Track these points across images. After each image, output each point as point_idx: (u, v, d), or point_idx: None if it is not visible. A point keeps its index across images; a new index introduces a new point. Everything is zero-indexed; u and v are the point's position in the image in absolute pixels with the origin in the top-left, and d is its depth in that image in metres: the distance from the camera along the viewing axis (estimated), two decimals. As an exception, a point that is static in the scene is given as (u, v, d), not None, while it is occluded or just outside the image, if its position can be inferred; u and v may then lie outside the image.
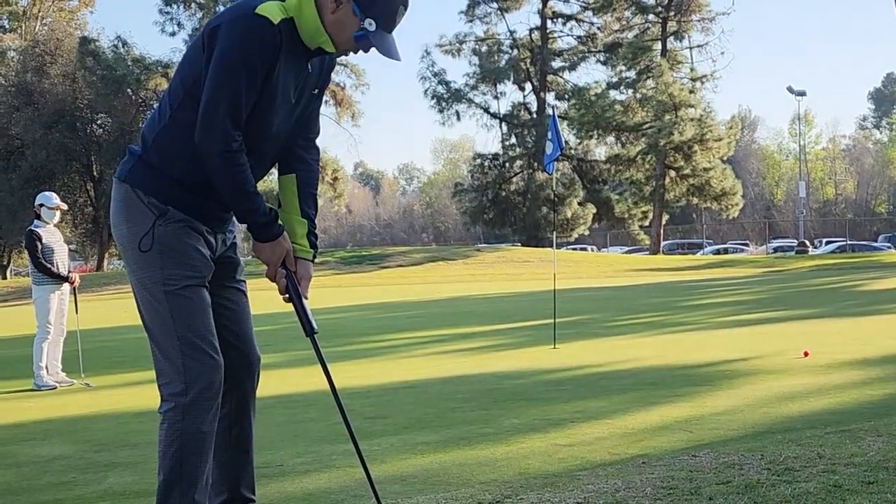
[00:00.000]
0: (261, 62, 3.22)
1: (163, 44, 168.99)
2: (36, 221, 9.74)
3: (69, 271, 9.79)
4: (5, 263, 56.13)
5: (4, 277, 53.70)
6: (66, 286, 9.77)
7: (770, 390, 7.04)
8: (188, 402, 3.33)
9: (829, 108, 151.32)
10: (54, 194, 10.00)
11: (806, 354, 9.03)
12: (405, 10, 3.34)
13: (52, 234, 9.74)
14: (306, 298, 3.54)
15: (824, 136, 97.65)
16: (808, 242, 54.99)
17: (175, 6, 53.60)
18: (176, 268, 3.36)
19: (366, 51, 3.36)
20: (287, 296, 3.53)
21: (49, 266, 9.52)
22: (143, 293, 3.42)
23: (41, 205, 9.74)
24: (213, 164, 3.26)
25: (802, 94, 57.40)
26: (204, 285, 3.45)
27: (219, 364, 3.40)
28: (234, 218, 3.60)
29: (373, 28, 3.27)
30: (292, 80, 3.38)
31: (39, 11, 63.36)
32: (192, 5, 53.64)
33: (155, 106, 3.38)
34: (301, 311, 3.51)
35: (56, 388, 9.49)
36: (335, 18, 3.30)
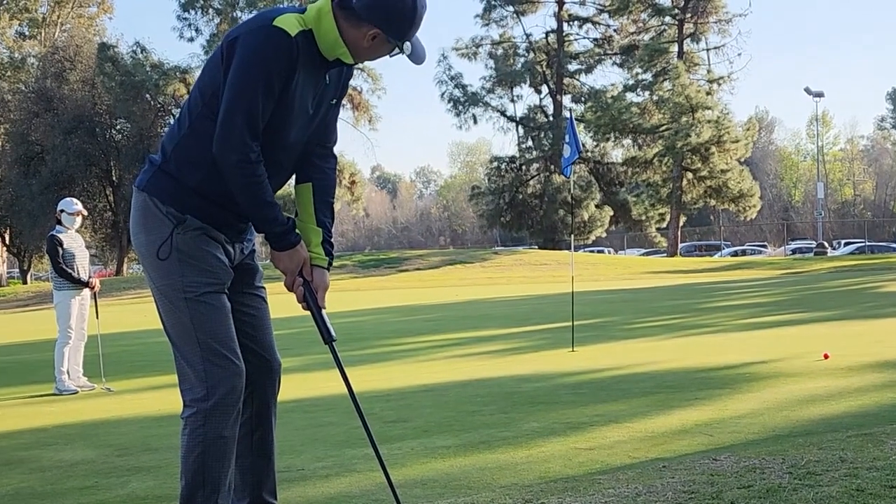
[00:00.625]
0: (278, 73, 3.24)
1: (181, 49, 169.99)
2: (57, 227, 9.81)
3: (90, 276, 9.86)
4: (26, 268, 56.49)
5: (25, 282, 54.05)
6: (87, 291, 9.83)
7: (790, 393, 7.01)
8: (210, 408, 3.35)
9: (847, 108, 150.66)
10: (75, 200, 10.08)
11: (826, 357, 8.98)
12: (426, 11, 3.39)
13: (73, 240, 9.80)
14: (323, 307, 3.57)
15: (842, 136, 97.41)
16: (826, 244, 54.73)
17: (193, 12, 53.94)
18: (195, 275, 3.39)
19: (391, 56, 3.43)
20: (305, 304, 3.56)
21: (70, 271, 9.59)
22: (163, 301, 3.46)
23: (62, 210, 9.81)
24: (230, 174, 3.29)
25: (820, 95, 57.24)
26: (223, 292, 3.48)
27: (240, 369, 3.43)
28: (251, 227, 3.63)
29: (409, 51, 3.34)
30: (310, 91, 3.40)
31: (59, 18, 63.82)
32: (210, 11, 53.99)
33: (175, 115, 3.42)
34: (319, 319, 3.55)
35: (77, 392, 9.55)
36: (370, 49, 3.35)
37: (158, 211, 3.41)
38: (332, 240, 3.70)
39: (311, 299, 3.54)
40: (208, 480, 3.36)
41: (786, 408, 6.38)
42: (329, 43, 3.35)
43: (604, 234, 62.78)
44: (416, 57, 3.38)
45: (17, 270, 60.01)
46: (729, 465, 4.54)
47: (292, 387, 8.66)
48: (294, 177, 3.69)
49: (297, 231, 3.50)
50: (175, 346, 3.45)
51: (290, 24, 3.26)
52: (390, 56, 3.42)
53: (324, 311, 3.56)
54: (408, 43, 3.32)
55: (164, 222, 3.40)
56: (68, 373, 9.65)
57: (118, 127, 53.42)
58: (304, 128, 3.47)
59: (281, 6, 3.43)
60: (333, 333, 3.57)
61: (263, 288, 3.76)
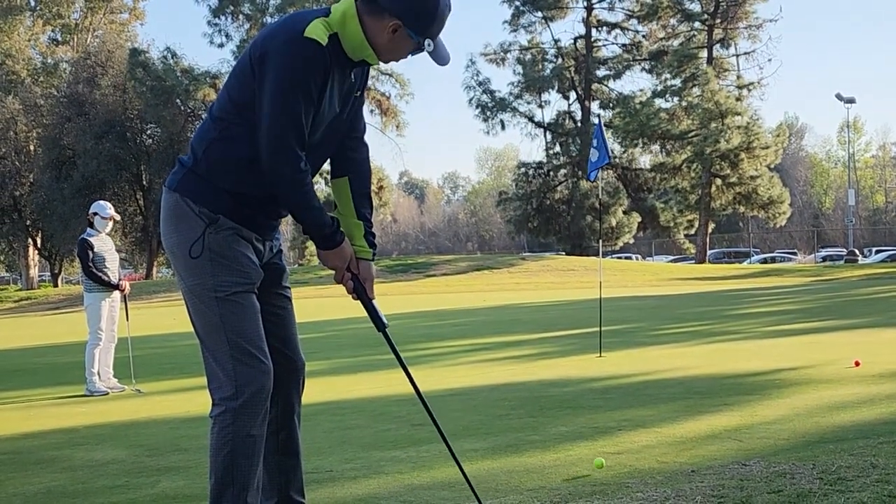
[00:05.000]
0: (315, 85, 3.29)
1: (211, 55, 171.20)
2: (88, 230, 9.91)
3: (119, 279, 9.95)
4: (57, 271, 57.05)
5: (56, 285, 54.60)
6: (117, 293, 9.93)
7: (821, 400, 6.96)
8: (238, 406, 3.38)
9: (879, 114, 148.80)
10: (109, 204, 10.17)
11: (857, 364, 8.89)
12: (450, 11, 3.42)
13: (103, 243, 9.90)
14: (373, 297, 3.71)
15: (874, 143, 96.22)
16: (857, 251, 54.19)
17: (223, 18, 54.37)
18: (226, 274, 3.43)
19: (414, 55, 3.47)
20: (355, 295, 3.71)
21: (99, 274, 9.69)
22: (193, 300, 3.49)
23: (95, 213, 9.91)
24: (285, 187, 3.36)
25: (851, 101, 56.66)
26: (253, 291, 3.51)
27: (269, 368, 3.46)
28: (279, 226, 3.69)
29: (431, 48, 3.37)
30: (338, 91, 3.44)
31: (91, 24, 64.51)
32: (240, 17, 54.40)
33: (204, 117, 3.47)
34: (371, 309, 3.70)
35: (108, 393, 9.64)
36: (392, 45, 3.38)
37: (191, 210, 3.44)
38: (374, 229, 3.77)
39: (360, 291, 3.67)
40: (237, 479, 3.39)
41: (816, 414, 6.33)
42: (355, 45, 3.38)
43: (631, 241, 62.53)
44: (439, 57, 3.42)
45: (49, 273, 60.63)
46: (758, 470, 4.52)
47: (320, 390, 8.71)
48: (330, 172, 3.76)
49: (341, 230, 3.58)
50: (204, 345, 3.49)
51: (319, 32, 3.29)
52: (412, 55, 3.45)
53: (374, 301, 3.70)
54: (429, 40, 3.35)
55: (197, 222, 3.43)
56: (99, 374, 9.75)
57: (149, 132, 53.89)
58: (333, 126, 3.52)
59: (305, 11, 3.45)
60: (385, 321, 3.73)
61: (289, 288, 3.81)
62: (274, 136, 3.28)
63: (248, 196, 3.45)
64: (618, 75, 60.63)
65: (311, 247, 59.32)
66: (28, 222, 54.11)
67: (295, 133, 3.29)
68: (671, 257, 68.15)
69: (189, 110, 52.00)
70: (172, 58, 52.92)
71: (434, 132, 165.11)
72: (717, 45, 57.17)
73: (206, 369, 3.50)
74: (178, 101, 51.73)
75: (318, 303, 28.62)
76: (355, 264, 3.66)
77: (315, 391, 8.90)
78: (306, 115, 3.31)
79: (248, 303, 3.47)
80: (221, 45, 55.40)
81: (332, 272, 3.67)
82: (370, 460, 5.44)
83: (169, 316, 24.30)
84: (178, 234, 3.48)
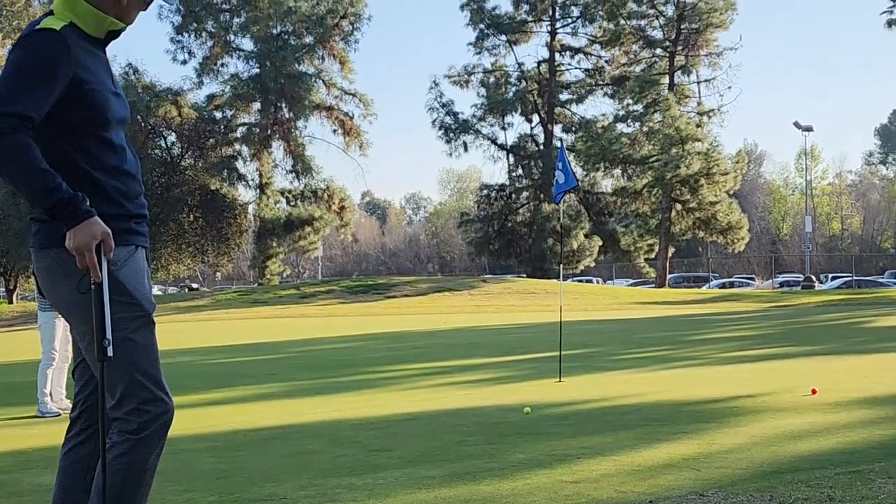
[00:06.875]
0: (48, 71, 3.21)
1: (173, 72, 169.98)
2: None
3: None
4: (12, 288, 56.20)
5: (11, 302, 53.77)
6: (72, 313, 9.75)
7: (778, 428, 6.98)
8: (139, 440, 3.31)
9: (836, 143, 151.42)
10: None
11: (814, 392, 8.96)
12: None
13: (59, 261, 9.74)
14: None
15: (831, 171, 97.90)
16: (814, 277, 54.86)
17: (186, 35, 54.16)
18: (124, 311, 3.31)
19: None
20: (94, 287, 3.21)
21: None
22: (92, 341, 3.31)
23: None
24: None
25: (809, 129, 57.54)
26: (152, 323, 3.41)
27: (170, 403, 3.40)
28: (146, 231, 3.57)
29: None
30: (104, 72, 3.45)
31: (51, 38, 63.93)
32: (203, 34, 54.16)
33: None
34: (100, 324, 3.18)
35: (60, 414, 9.45)
36: (125, 6, 3.45)
37: (73, 258, 3.24)
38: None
39: (96, 297, 3.19)
40: None
41: (773, 443, 6.35)
42: (92, 23, 3.41)
43: (592, 264, 62.84)
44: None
45: (3, 290, 59.72)
46: (716, 501, 4.50)
47: (276, 413, 8.60)
48: None
49: (88, 205, 3.19)
50: (108, 380, 3.32)
51: (50, 23, 3.30)
52: (145, 8, 3.53)
53: (107, 314, 3.19)
54: None
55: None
56: (51, 395, 9.56)
57: (108, 147, 53.31)
58: (121, 106, 3.49)
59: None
60: (109, 352, 3.19)
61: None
62: None
63: (114, 211, 3.34)
64: (580, 99, 61.14)
65: (272, 266, 58.94)
66: (-17, 238, 53.29)
67: (20, 98, 3.12)
68: (631, 281, 68.63)
69: (150, 127, 51.59)
70: (134, 74, 52.54)
71: (396, 153, 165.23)
72: (679, 72, 57.85)
73: (108, 401, 3.34)
74: (139, 117, 51.26)
75: (276, 323, 28.37)
76: (111, 246, 3.20)
77: (271, 414, 8.79)
78: (40, 96, 3.16)
79: (147, 341, 3.36)
80: (184, 62, 55.22)
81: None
82: (325, 487, 5.35)
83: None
84: (66, 282, 3.32)
